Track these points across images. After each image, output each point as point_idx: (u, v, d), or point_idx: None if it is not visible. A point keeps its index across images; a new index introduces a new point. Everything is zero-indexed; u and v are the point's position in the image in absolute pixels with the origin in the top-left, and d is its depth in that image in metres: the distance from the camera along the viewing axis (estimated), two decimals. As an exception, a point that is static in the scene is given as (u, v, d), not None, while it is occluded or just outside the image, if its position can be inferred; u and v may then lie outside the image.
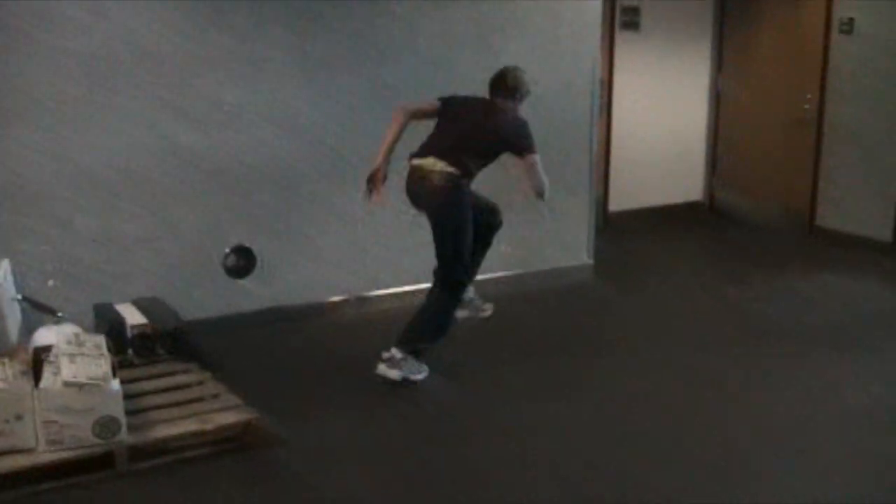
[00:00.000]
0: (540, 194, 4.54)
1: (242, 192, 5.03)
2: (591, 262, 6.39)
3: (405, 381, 4.46)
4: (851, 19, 7.25)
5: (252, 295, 5.17)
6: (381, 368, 4.48)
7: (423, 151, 4.48)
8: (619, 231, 7.76)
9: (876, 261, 6.99)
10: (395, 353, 4.47)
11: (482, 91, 4.54)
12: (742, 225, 8.15)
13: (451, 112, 4.57)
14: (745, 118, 8.21)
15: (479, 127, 4.47)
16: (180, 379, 4.08)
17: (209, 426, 3.62)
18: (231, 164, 4.97)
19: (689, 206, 8.48)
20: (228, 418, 3.69)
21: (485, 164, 4.52)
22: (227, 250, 5.07)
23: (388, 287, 5.63)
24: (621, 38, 7.61)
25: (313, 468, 3.61)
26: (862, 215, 7.40)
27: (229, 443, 3.67)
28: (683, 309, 5.91)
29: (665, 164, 8.20)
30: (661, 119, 8.09)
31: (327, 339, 5.20)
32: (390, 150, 4.47)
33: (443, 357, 4.65)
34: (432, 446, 3.87)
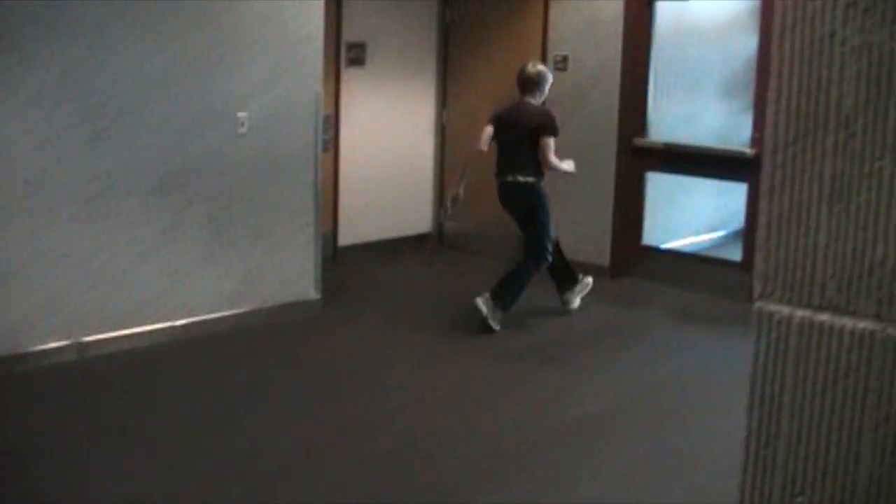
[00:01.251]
0: (552, 169, 6.60)
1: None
2: (318, 297, 6.87)
3: (484, 324, 6.37)
4: (565, 57, 8.26)
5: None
6: (479, 301, 6.40)
7: (500, 169, 6.69)
8: (350, 264, 8.31)
9: (595, 285, 7.97)
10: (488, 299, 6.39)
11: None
12: (472, 255, 8.93)
13: (501, 127, 6.59)
14: (471, 149, 9.02)
15: (522, 128, 6.46)
16: None
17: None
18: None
19: (419, 238, 9.18)
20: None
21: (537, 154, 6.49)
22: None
23: (112, 329, 5.87)
24: (347, 73, 8.18)
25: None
26: (582, 242, 8.38)
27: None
28: (412, 337, 6.42)
29: (394, 197, 8.82)
30: (389, 152, 8.70)
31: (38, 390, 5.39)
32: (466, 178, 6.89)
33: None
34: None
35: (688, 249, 8.70)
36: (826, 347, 0.83)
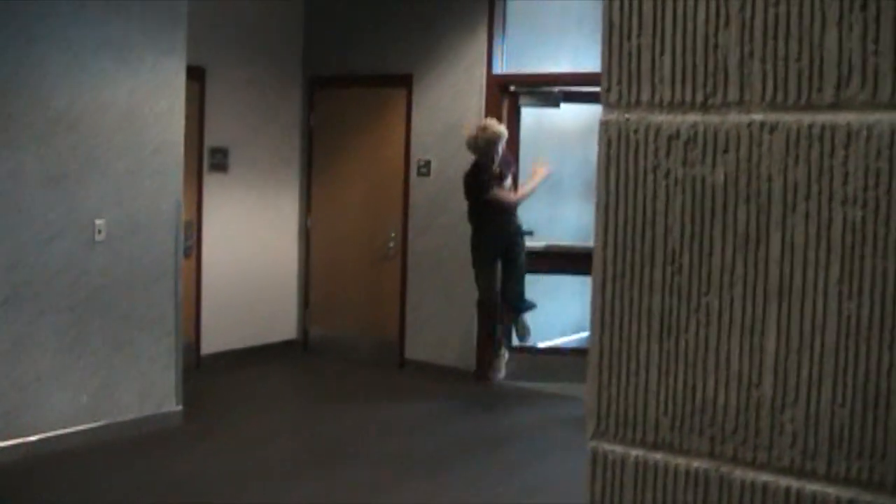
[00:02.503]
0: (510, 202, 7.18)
1: None
2: (179, 408, 6.63)
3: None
4: (428, 161, 8.35)
5: None
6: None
7: None
8: (213, 373, 8.07)
9: (461, 389, 7.94)
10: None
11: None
12: (336, 360, 8.78)
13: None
14: (336, 255, 8.95)
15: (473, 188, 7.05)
16: None
17: None
18: None
19: (285, 345, 8.98)
20: None
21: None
22: None
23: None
24: (210, 179, 8.08)
25: None
26: (447, 346, 8.38)
27: None
28: (277, 449, 6.19)
29: (258, 304, 8.67)
30: (253, 258, 8.57)
31: None
32: None
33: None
34: None
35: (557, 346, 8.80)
36: (661, 488, 0.79)
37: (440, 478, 5.80)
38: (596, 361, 0.82)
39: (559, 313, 9.05)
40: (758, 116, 0.74)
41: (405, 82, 8.33)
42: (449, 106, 8.17)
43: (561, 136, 9.03)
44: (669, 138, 0.77)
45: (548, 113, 8.46)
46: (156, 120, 6.28)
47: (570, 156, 9.06)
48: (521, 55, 8.27)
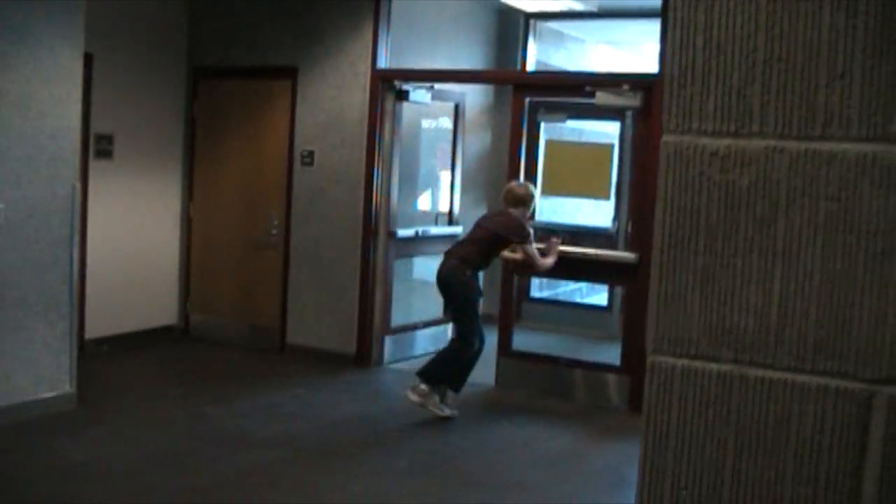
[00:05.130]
0: (539, 269, 7.16)
1: None
2: (73, 391, 6.75)
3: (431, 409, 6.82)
4: (312, 152, 8.66)
5: None
6: (409, 393, 6.83)
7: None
8: (97, 358, 8.17)
9: (342, 372, 8.29)
10: (420, 384, 6.82)
11: None
12: (218, 346, 8.99)
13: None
14: (217, 243, 9.14)
15: (483, 228, 6.96)
16: None
17: None
18: None
19: (165, 330, 9.13)
20: None
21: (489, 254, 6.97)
22: None
23: None
24: (95, 165, 8.15)
25: None
26: (327, 331, 8.72)
27: None
28: (167, 433, 6.41)
29: (139, 289, 8.78)
30: (135, 245, 8.67)
31: None
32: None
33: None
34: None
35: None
36: (700, 384, 1.21)
37: (329, 460, 6.13)
38: (655, 302, 1.23)
39: (427, 295, 9.49)
40: (772, 142, 1.16)
41: (290, 75, 8.60)
42: (333, 98, 8.49)
43: (428, 131, 9.50)
44: (711, 154, 1.19)
45: (415, 107, 8.89)
46: (53, 106, 6.41)
47: (434, 150, 9.53)
48: (401, 51, 8.66)
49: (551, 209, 11.50)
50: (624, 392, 7.66)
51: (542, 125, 11.19)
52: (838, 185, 1.14)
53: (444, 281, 6.91)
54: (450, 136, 9.47)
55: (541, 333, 9.62)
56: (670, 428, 1.24)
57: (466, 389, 7.23)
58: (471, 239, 7.02)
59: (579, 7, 9.36)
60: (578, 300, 11.79)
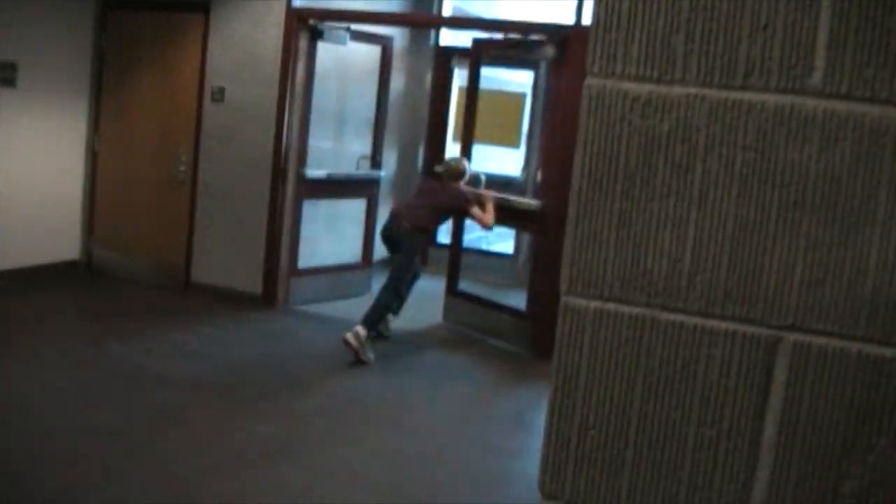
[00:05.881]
0: (486, 225, 7.69)
1: None
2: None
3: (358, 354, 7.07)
4: (222, 88, 8.47)
5: None
6: (347, 335, 7.09)
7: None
8: (-5, 291, 7.96)
9: (247, 312, 8.22)
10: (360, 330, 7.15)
11: None
12: (122, 283, 8.83)
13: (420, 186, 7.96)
14: (123, 178, 8.93)
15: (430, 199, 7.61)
16: None
17: None
18: None
19: (67, 266, 8.92)
20: None
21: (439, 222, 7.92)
22: None
23: None
24: (-2, 94, 7.87)
25: None
26: (234, 271, 8.62)
27: None
28: (70, 371, 6.30)
29: (41, 223, 8.54)
30: (38, 178, 8.41)
31: None
32: None
33: None
34: None
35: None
36: (612, 326, 1.22)
37: (237, 400, 6.10)
38: (570, 244, 1.24)
39: (339, 239, 9.44)
40: (693, 90, 1.17)
41: (202, 8, 8.39)
42: (247, 35, 8.32)
43: (347, 73, 9.35)
44: (633, 99, 1.19)
45: (335, 48, 8.75)
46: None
47: (354, 92, 9.41)
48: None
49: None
50: (529, 338, 7.76)
51: (456, 72, 11.15)
52: (756, 136, 1.15)
53: (397, 242, 7.54)
54: (376, 79, 9.35)
55: (438, 278, 9.68)
56: (580, 369, 1.25)
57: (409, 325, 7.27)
58: (422, 205, 7.60)
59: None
60: (484, 247, 11.87)
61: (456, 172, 7.80)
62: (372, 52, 9.21)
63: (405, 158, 10.82)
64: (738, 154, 1.16)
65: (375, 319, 7.29)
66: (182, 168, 8.65)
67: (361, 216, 9.32)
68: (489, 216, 7.59)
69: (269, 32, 8.24)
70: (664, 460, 1.22)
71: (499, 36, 8.52)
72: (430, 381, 6.89)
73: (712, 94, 1.16)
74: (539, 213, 7.73)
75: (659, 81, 1.18)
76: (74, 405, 5.69)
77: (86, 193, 9.03)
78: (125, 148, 8.90)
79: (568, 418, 1.26)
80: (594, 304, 1.23)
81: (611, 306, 1.22)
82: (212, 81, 8.48)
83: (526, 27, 8.25)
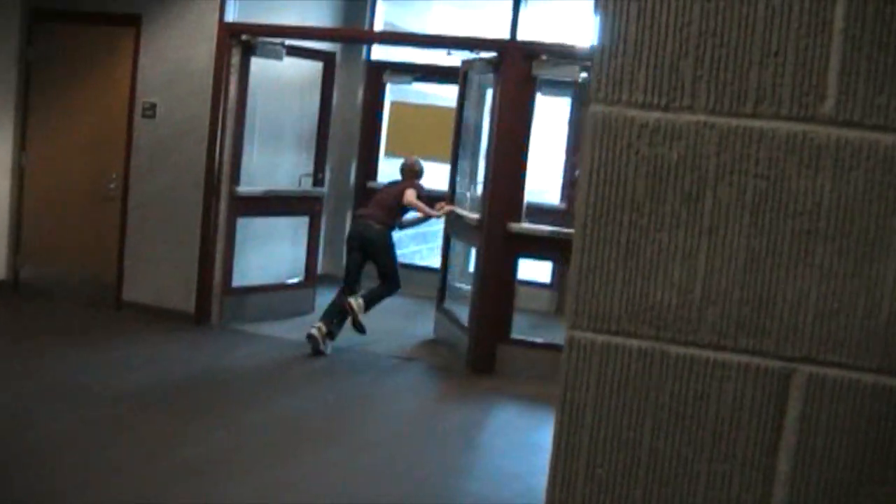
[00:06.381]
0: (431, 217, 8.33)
1: None
2: None
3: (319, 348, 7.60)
4: (154, 104, 8.30)
5: None
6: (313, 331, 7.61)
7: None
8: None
9: (181, 330, 8.05)
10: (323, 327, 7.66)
11: None
12: (52, 301, 8.59)
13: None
14: (52, 194, 8.68)
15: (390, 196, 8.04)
16: None
17: None
18: None
19: (-9, 283, 8.67)
20: None
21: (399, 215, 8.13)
22: None
23: None
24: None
25: None
26: (167, 289, 8.42)
27: None
28: (5, 388, 6.08)
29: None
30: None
31: None
32: None
33: None
34: None
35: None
36: (619, 360, 1.18)
37: (174, 416, 5.97)
38: (576, 275, 1.19)
39: (274, 256, 9.31)
40: (702, 118, 1.13)
41: (133, 22, 8.22)
42: (179, 50, 8.18)
43: (282, 89, 9.24)
44: (640, 127, 1.15)
45: (270, 64, 8.63)
46: None
47: (289, 108, 9.31)
48: (251, 5, 8.39)
49: (393, 170, 11.46)
50: (469, 354, 7.73)
51: (388, 86, 11.09)
52: (767, 164, 1.12)
53: (370, 241, 7.90)
54: (317, 95, 9.23)
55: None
56: (587, 405, 1.20)
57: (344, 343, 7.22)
58: (383, 205, 8.01)
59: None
60: (418, 262, 11.83)
61: (413, 171, 8.34)
62: (313, 67, 9.11)
63: (338, 174, 10.71)
64: (750, 183, 1.13)
65: (372, 302, 7.92)
66: (112, 185, 8.45)
67: (304, 234, 9.18)
68: (435, 213, 8.26)
69: (201, 47, 8.10)
70: (676, 498, 1.18)
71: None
72: (371, 397, 6.82)
73: (722, 121, 1.13)
74: (479, 227, 7.71)
75: (667, 109, 1.15)
76: (9, 423, 5.51)
77: (12, 211, 8.77)
78: (54, 164, 8.67)
79: (574, 456, 1.21)
80: (601, 337, 1.19)
81: (618, 340, 1.18)
82: (143, 97, 8.30)
83: (461, 42, 8.25)
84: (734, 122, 1.13)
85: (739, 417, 1.15)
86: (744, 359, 1.14)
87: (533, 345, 7.81)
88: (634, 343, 1.18)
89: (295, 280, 9.22)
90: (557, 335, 8.40)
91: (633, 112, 1.16)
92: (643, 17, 1.14)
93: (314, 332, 7.59)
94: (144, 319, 8.20)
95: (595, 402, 1.20)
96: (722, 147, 1.13)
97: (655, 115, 1.15)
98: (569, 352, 1.21)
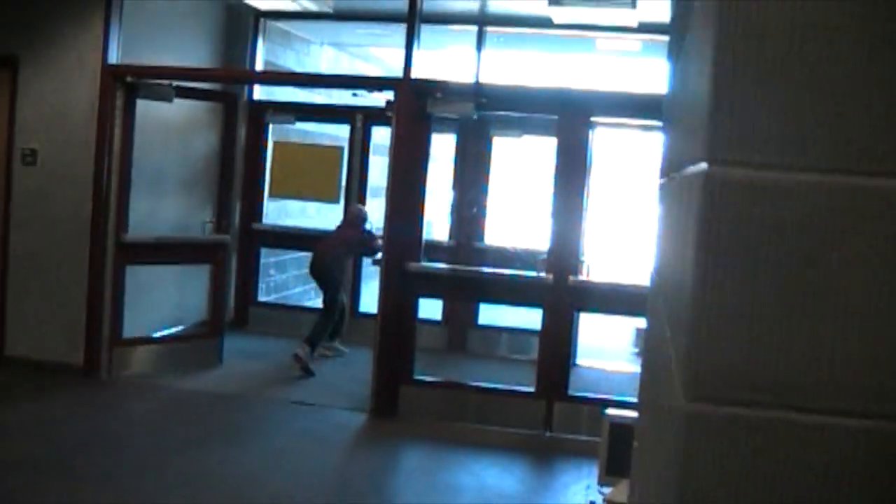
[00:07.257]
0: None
1: None
2: None
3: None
4: (34, 150, 7.91)
5: None
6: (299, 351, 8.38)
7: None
8: None
9: (71, 385, 7.65)
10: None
11: None
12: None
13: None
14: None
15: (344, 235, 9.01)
16: None
17: None
18: None
19: None
20: None
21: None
22: None
23: None
24: None
25: None
26: (53, 341, 8.01)
27: None
28: None
29: None
30: None
31: None
32: None
33: None
34: None
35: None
36: (743, 433, 1.12)
37: (69, 482, 5.62)
38: (689, 344, 1.13)
39: (156, 304, 9.01)
40: (823, 177, 1.09)
41: (9, 64, 7.84)
42: (58, 92, 7.85)
43: (165, 131, 8.98)
44: (759, 188, 1.10)
45: (153, 106, 8.37)
46: None
47: (172, 150, 9.06)
48: (133, 46, 8.12)
49: (277, 211, 11.29)
50: (372, 398, 7.62)
51: (270, 126, 10.92)
52: (892, 223, 1.08)
53: (322, 272, 8.88)
54: (204, 137, 8.97)
55: (270, 339, 9.47)
56: (711, 485, 1.13)
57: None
58: (339, 242, 9.00)
59: (314, 7, 9.16)
60: (307, 303, 11.64)
61: (359, 218, 9.24)
62: (200, 108, 8.87)
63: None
64: (873, 243, 1.08)
65: (315, 339, 8.61)
66: (-9, 237, 8.01)
67: (205, 282, 8.85)
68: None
69: (82, 90, 7.78)
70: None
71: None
72: (275, 449, 6.60)
73: (843, 181, 1.09)
74: (378, 265, 7.62)
75: (785, 168, 1.10)
76: None
77: None
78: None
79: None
80: (724, 409, 1.12)
81: (741, 411, 1.12)
82: (22, 143, 7.91)
83: (350, 80, 8.17)
84: (857, 180, 1.09)
85: (871, 487, 1.10)
86: (875, 424, 1.10)
87: (433, 384, 7.74)
88: (759, 413, 1.12)
89: (191, 330, 8.91)
90: (453, 373, 8.38)
91: (749, 173, 1.10)
92: (762, 70, 1.09)
93: (300, 352, 8.36)
94: (30, 374, 7.78)
95: (719, 481, 1.13)
96: (844, 207, 1.09)
97: (774, 174, 1.10)
98: (688, 425, 1.14)
